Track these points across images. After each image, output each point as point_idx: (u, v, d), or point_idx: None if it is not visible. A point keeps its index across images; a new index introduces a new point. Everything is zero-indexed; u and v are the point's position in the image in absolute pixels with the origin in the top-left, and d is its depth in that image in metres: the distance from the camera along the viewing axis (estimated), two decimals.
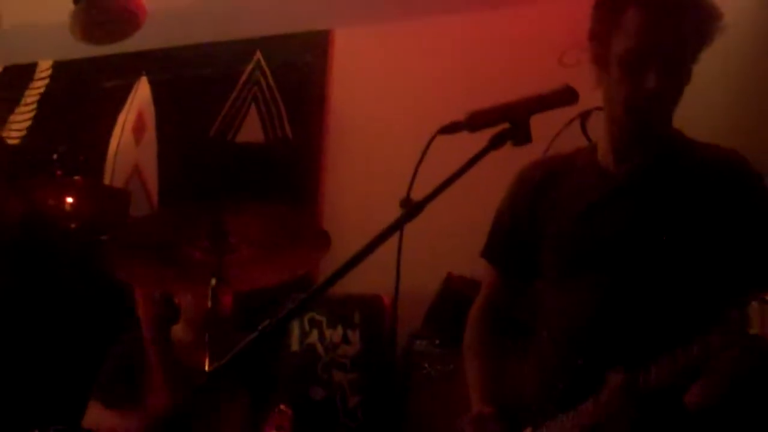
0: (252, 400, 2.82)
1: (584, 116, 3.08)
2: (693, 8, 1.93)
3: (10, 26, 3.87)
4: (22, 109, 4.95)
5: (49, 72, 4.96)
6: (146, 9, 4.09)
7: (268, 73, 4.43)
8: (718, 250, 1.91)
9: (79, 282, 3.74)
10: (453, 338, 3.28)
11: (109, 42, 4.19)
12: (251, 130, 4.40)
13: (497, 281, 2.26)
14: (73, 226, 3.85)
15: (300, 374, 3.67)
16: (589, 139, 2.92)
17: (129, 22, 4.06)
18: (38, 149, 4.48)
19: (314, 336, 3.72)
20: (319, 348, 3.70)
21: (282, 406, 2.84)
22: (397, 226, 1.57)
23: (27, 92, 4.96)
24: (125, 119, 4.70)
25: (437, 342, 3.41)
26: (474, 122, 1.70)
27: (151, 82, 4.70)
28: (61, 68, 4.93)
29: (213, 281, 2.41)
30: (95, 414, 2.92)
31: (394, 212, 1.60)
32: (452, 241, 3.64)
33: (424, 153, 1.65)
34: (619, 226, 1.99)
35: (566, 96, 1.75)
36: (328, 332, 3.70)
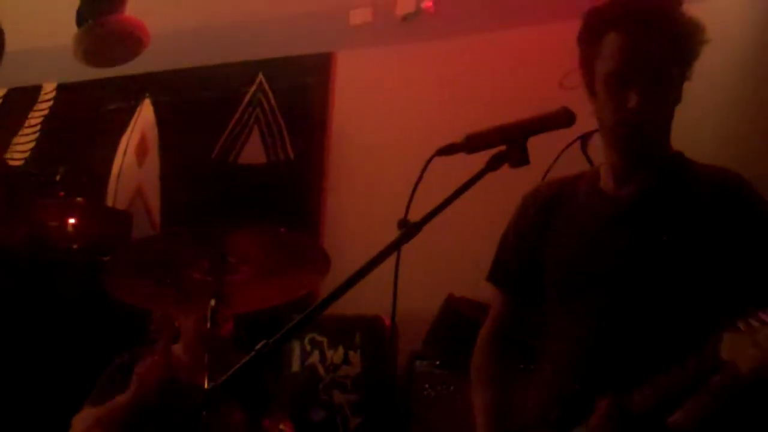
0: (251, 420, 2.82)
1: (585, 138, 3.08)
2: (671, 26, 1.94)
3: (15, 48, 3.89)
4: (26, 131, 4.98)
5: (53, 94, 4.99)
6: (149, 32, 4.11)
7: (270, 95, 4.46)
8: (721, 274, 1.90)
9: (81, 303, 3.75)
10: (454, 359, 3.29)
11: (111, 65, 4.21)
12: (253, 152, 4.41)
13: (504, 305, 2.25)
14: (75, 246, 3.86)
15: (301, 395, 3.66)
16: (590, 161, 2.92)
17: (132, 45, 4.08)
18: (41, 171, 4.49)
19: (315, 357, 3.71)
20: (320, 369, 3.70)
21: (282, 426, 2.83)
22: (394, 248, 1.58)
23: (31, 114, 4.99)
24: (128, 141, 4.73)
25: (438, 363, 3.40)
26: (471, 144, 1.71)
27: (154, 104, 4.72)
28: (64, 90, 4.96)
29: (212, 302, 2.41)
30: (84, 414, 2.91)
31: (396, 233, 1.61)
32: (453, 262, 3.65)
33: (421, 174, 1.66)
34: (620, 251, 1.98)
35: (563, 118, 1.75)
36: (329, 353, 3.69)
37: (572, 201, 2.13)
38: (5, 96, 5.11)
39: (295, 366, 3.73)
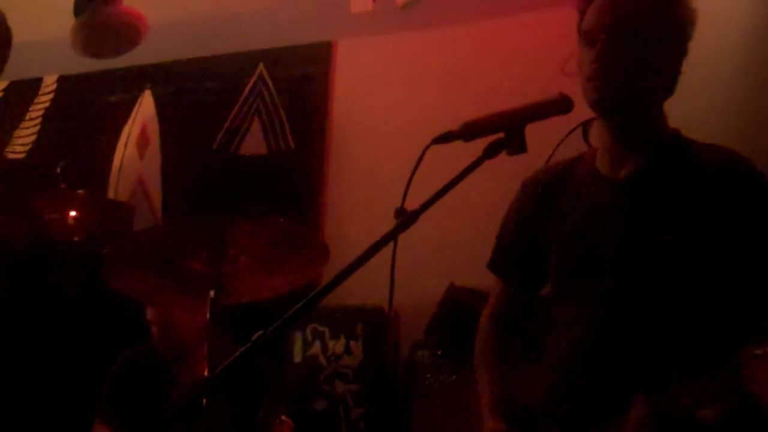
0: (248, 413, 2.82)
1: (586, 125, 3.07)
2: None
3: (16, 41, 3.89)
4: (27, 123, 4.97)
5: (54, 86, 4.98)
6: (147, 22, 4.10)
7: (270, 85, 4.44)
8: (722, 254, 1.88)
9: (82, 295, 3.75)
10: (455, 349, 3.29)
11: (110, 55, 4.20)
12: (254, 142, 4.40)
13: (505, 293, 2.25)
14: (76, 239, 3.85)
15: (302, 385, 3.67)
16: (591, 147, 2.91)
17: (130, 35, 4.07)
18: (42, 163, 4.49)
19: (317, 347, 3.72)
20: (322, 359, 3.70)
21: (283, 417, 2.83)
22: (390, 237, 1.57)
23: (32, 107, 4.99)
24: (129, 133, 4.71)
25: (439, 352, 3.40)
26: (468, 132, 1.70)
27: (154, 96, 4.71)
28: (65, 83, 4.95)
29: (212, 293, 2.41)
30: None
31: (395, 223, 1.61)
32: (455, 251, 3.64)
33: (417, 163, 1.65)
34: (619, 233, 1.97)
35: (561, 105, 1.74)
36: (330, 343, 3.70)
37: (571, 185, 2.11)
38: (6, 89, 5.10)
39: (297, 356, 3.73)
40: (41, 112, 4.97)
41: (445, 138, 1.69)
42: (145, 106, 4.72)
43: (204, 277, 2.44)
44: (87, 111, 4.84)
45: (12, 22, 3.82)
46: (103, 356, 3.33)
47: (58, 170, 4.02)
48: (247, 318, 2.86)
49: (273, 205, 4.15)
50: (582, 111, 1.99)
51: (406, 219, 1.58)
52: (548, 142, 2.90)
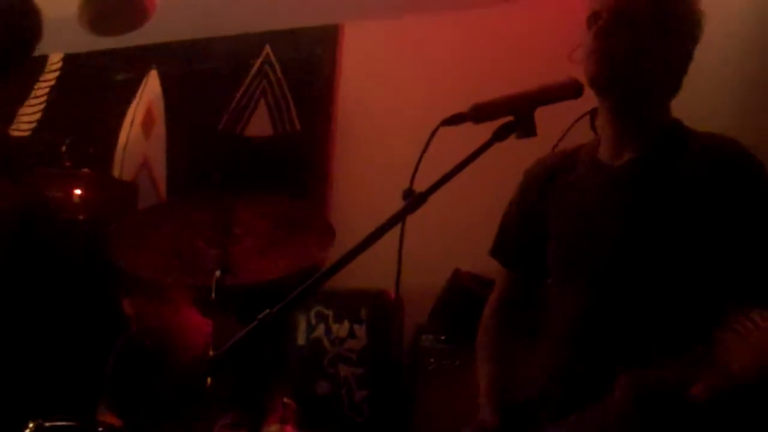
0: (251, 396, 2.83)
1: (594, 113, 3.06)
2: None
3: None
4: (32, 101, 4.96)
5: (59, 65, 4.97)
6: (156, 2, 4.08)
7: (277, 67, 4.43)
8: (721, 242, 1.88)
9: (86, 273, 3.75)
10: (460, 334, 3.29)
11: (117, 34, 4.18)
12: (260, 124, 4.39)
13: (508, 281, 2.25)
14: (81, 217, 3.85)
15: (306, 368, 3.67)
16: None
17: (138, 13, 4.05)
18: (48, 141, 4.48)
19: (320, 330, 3.71)
20: (326, 342, 3.70)
21: (286, 399, 2.83)
22: (398, 218, 1.56)
23: (37, 85, 4.97)
24: (134, 112, 4.71)
25: (444, 337, 3.40)
26: (477, 114, 1.69)
27: (160, 76, 4.70)
28: (71, 61, 4.94)
29: (218, 273, 2.41)
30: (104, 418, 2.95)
31: (402, 205, 1.60)
32: (460, 236, 3.64)
33: (426, 145, 1.64)
34: (617, 219, 1.96)
35: (572, 89, 1.73)
36: (334, 326, 3.69)
37: (572, 173, 2.11)
38: None
39: (301, 339, 3.73)
40: (46, 90, 4.96)
41: (454, 120, 1.69)
42: (151, 85, 4.71)
43: (209, 257, 2.43)
44: (92, 90, 4.83)
45: None
46: (107, 333, 3.33)
47: (64, 148, 4.02)
48: (249, 300, 2.88)
49: (278, 187, 4.14)
50: (591, 99, 1.99)
51: (414, 200, 1.57)
52: (555, 130, 2.88)
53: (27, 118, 4.91)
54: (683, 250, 1.88)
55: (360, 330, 3.65)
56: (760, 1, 3.01)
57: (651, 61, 1.96)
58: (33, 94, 4.95)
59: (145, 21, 4.09)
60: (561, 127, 3.03)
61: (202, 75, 4.58)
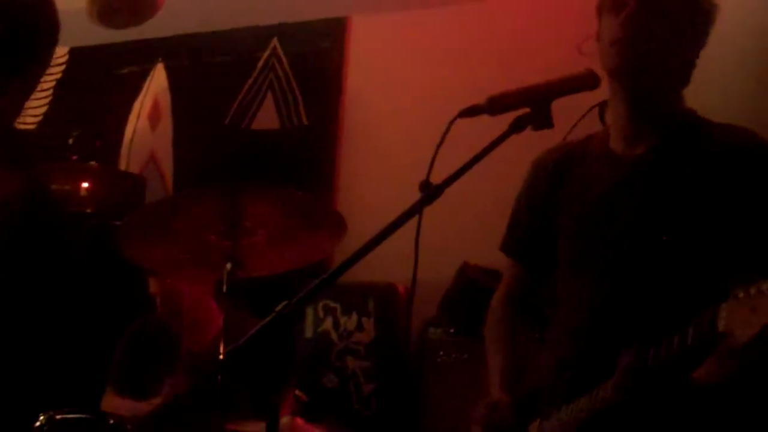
0: (265, 386, 2.82)
1: (603, 105, 3.05)
2: None
3: None
4: (38, 94, 4.94)
5: (65, 58, 4.95)
6: None
7: (284, 60, 4.42)
8: (738, 233, 1.87)
9: (93, 267, 3.74)
10: (468, 327, 3.28)
11: (125, 26, 4.17)
12: (267, 118, 4.39)
13: (517, 273, 2.24)
14: (88, 210, 3.85)
15: (313, 361, 3.67)
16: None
17: (147, 6, 4.04)
18: (54, 135, 4.48)
19: (328, 323, 3.71)
20: (333, 335, 3.70)
21: (296, 392, 2.84)
22: (416, 210, 1.56)
23: (44, 78, 4.96)
24: (141, 106, 4.70)
25: (452, 330, 3.40)
26: (494, 106, 1.69)
27: (167, 69, 4.69)
28: (77, 54, 4.92)
29: (228, 266, 2.40)
30: (109, 400, 2.94)
31: (410, 198, 1.59)
32: (468, 229, 3.64)
33: (444, 135, 1.63)
34: (630, 214, 1.95)
35: (588, 80, 1.73)
36: (342, 319, 3.69)
37: (582, 164, 2.10)
38: None
39: (308, 332, 3.73)
40: (52, 84, 4.94)
41: (471, 112, 1.68)
42: (158, 78, 4.70)
43: (220, 250, 2.43)
44: (99, 83, 4.83)
45: None
46: (114, 326, 3.33)
47: (70, 141, 4.01)
48: (261, 293, 2.89)
49: (285, 180, 4.13)
50: (599, 91, 1.97)
51: (431, 192, 1.57)
52: (564, 121, 2.88)
53: (33, 111, 4.90)
54: (699, 242, 1.88)
55: (368, 323, 3.65)
56: None
57: (675, 51, 1.96)
58: (39, 87, 4.93)
59: (154, 13, 4.08)
60: (569, 118, 3.03)
61: (209, 68, 4.57)
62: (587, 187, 2.06)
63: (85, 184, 3.91)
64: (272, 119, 4.38)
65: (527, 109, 1.68)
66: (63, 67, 4.93)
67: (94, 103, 4.77)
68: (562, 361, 1.99)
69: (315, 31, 4.38)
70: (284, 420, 2.67)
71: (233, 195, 2.42)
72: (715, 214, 1.88)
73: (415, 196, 1.59)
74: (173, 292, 3.04)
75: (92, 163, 3.99)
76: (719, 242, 1.88)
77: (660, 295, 1.90)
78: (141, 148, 4.62)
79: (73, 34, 4.70)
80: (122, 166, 4.60)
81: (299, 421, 2.77)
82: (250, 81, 4.46)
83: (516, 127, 1.66)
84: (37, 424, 2.12)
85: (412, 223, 1.57)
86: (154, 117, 4.65)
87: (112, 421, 2.40)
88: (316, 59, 4.35)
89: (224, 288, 2.38)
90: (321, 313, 3.72)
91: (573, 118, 3.07)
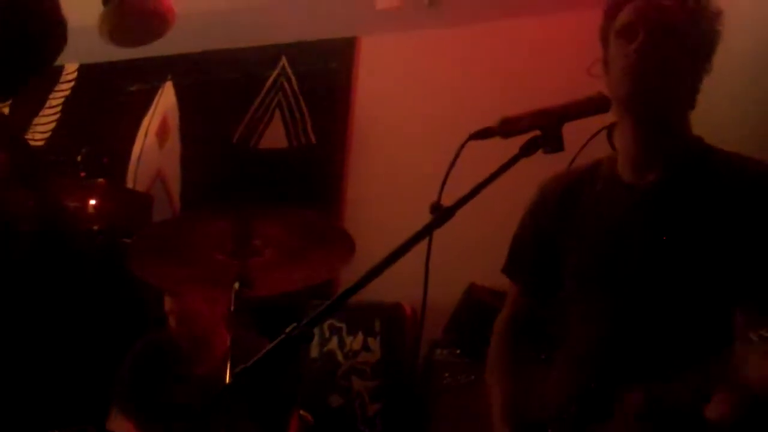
0: (272, 407, 2.82)
1: (611, 128, 3.05)
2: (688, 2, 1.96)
3: None
4: (47, 111, 4.98)
5: (74, 75, 4.99)
6: (175, 11, 4.09)
7: (293, 79, 4.44)
8: (749, 264, 1.86)
9: (101, 284, 3.74)
10: (474, 348, 3.27)
11: (137, 44, 4.19)
12: (275, 136, 4.41)
13: (520, 296, 2.22)
14: (95, 228, 3.85)
15: (319, 381, 3.66)
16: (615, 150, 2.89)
17: (158, 24, 4.06)
18: (62, 151, 4.49)
19: (334, 343, 3.70)
20: (339, 355, 3.69)
21: (301, 412, 2.82)
22: (427, 231, 1.55)
23: (52, 95, 4.99)
24: (149, 123, 4.72)
25: (458, 352, 3.39)
26: (506, 128, 1.68)
27: (175, 87, 4.71)
28: (86, 71, 4.96)
29: (236, 285, 2.39)
30: (117, 423, 2.95)
31: (417, 219, 1.58)
32: (475, 251, 3.63)
33: (455, 158, 1.62)
34: (641, 243, 1.94)
35: (599, 104, 1.72)
36: (348, 339, 3.68)
37: (591, 189, 2.08)
38: None
39: (314, 352, 3.72)
40: (61, 100, 4.97)
41: (483, 134, 1.68)
42: (166, 96, 4.72)
43: (229, 269, 2.42)
44: (107, 100, 4.86)
45: None
46: (120, 344, 3.32)
47: (79, 158, 4.02)
48: (266, 313, 2.88)
49: (293, 200, 4.14)
50: (605, 115, 1.97)
51: (442, 214, 1.56)
52: (571, 145, 2.87)
53: (42, 128, 4.92)
54: (710, 273, 1.87)
55: (374, 343, 3.64)
56: None
57: (685, 78, 1.95)
58: (48, 103, 4.97)
59: (165, 32, 4.10)
60: (576, 140, 3.03)
61: (218, 87, 4.60)
62: (594, 213, 2.04)
63: (92, 201, 3.91)
64: (280, 138, 4.39)
65: (538, 132, 1.68)
66: (72, 84, 4.96)
67: (102, 120, 4.80)
68: (571, 392, 1.97)
69: (324, 50, 4.41)
70: None
71: (242, 215, 2.42)
72: (726, 247, 1.86)
73: (423, 213, 1.58)
74: (191, 312, 3.03)
75: (100, 180, 4.00)
76: (733, 274, 1.86)
77: (668, 324, 1.88)
78: (148, 165, 4.64)
79: (83, 51, 4.75)
80: (129, 184, 4.62)
81: None
82: (258, 100, 4.48)
83: (527, 149, 1.65)
84: None
85: (423, 243, 1.57)
86: (162, 134, 4.67)
87: None
88: (324, 79, 4.37)
89: (232, 307, 2.36)
90: (326, 333, 3.72)
91: (579, 139, 3.08)
